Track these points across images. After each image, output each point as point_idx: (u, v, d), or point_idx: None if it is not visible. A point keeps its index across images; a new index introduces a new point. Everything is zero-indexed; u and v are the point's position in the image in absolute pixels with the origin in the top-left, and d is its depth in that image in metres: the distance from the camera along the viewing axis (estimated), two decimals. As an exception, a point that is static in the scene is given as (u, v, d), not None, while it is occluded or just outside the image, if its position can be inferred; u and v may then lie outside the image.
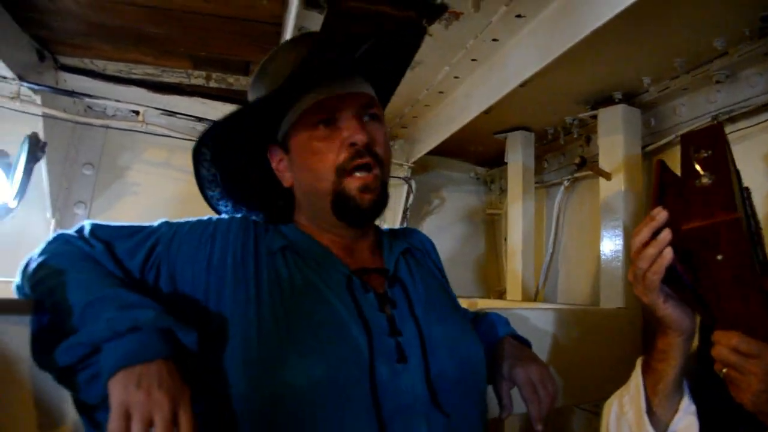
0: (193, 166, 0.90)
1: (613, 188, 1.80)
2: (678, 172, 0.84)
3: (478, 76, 1.83)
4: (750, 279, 0.73)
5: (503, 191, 2.81)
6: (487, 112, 1.84)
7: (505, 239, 2.58)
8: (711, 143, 0.81)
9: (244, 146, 0.93)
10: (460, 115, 1.97)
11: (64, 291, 0.70)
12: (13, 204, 1.89)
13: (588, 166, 1.96)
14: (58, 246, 0.79)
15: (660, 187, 0.85)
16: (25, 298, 0.76)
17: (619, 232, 1.77)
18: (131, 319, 0.66)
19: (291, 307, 0.77)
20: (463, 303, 1.03)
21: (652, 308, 0.82)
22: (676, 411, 0.85)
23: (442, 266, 1.06)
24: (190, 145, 0.89)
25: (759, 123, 1.48)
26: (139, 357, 0.64)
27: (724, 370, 0.75)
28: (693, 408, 0.85)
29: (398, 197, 2.57)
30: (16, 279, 0.79)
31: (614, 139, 1.81)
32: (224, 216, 0.90)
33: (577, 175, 2.24)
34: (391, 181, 0.94)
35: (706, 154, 0.80)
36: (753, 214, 0.85)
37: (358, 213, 0.85)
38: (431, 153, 2.41)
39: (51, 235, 0.82)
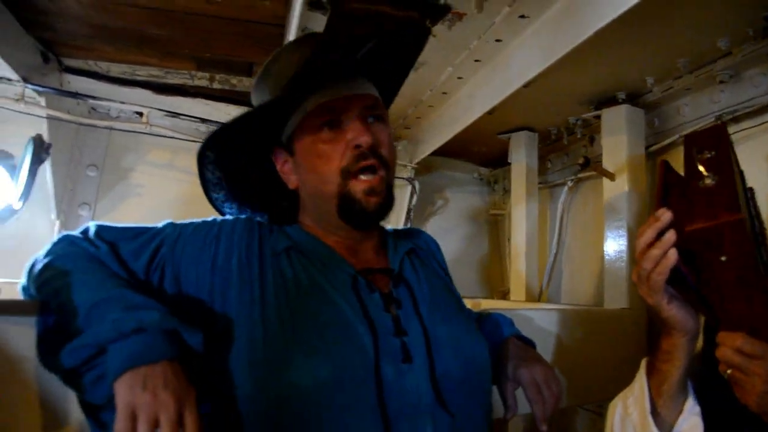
0: (198, 170, 0.90)
1: (617, 188, 1.79)
2: (682, 173, 0.84)
3: (481, 76, 1.82)
4: (754, 280, 0.72)
5: (507, 192, 2.80)
6: (490, 112, 1.83)
7: (509, 240, 2.57)
8: (714, 144, 0.80)
9: (248, 148, 0.93)
10: (464, 116, 1.97)
11: (69, 292, 0.70)
12: (17, 205, 1.90)
13: (591, 166, 1.97)
14: (64, 247, 0.79)
15: (664, 188, 0.84)
16: (31, 300, 0.76)
17: (623, 232, 1.76)
18: (136, 320, 0.66)
19: (296, 308, 0.77)
20: (467, 303, 1.03)
21: (657, 309, 0.82)
22: (680, 412, 0.85)
23: (447, 266, 1.06)
24: (194, 146, 0.89)
25: (763, 123, 1.47)
26: (144, 358, 0.64)
27: (729, 371, 0.74)
28: (697, 409, 0.85)
29: (402, 198, 2.57)
30: (22, 280, 0.79)
31: (618, 140, 1.80)
32: (228, 217, 0.90)
33: (580, 175, 2.24)
34: (395, 182, 0.94)
35: (709, 155, 0.79)
36: (757, 214, 0.84)
37: (363, 216, 0.85)
38: (435, 154, 2.41)
39: (56, 237, 0.82)
